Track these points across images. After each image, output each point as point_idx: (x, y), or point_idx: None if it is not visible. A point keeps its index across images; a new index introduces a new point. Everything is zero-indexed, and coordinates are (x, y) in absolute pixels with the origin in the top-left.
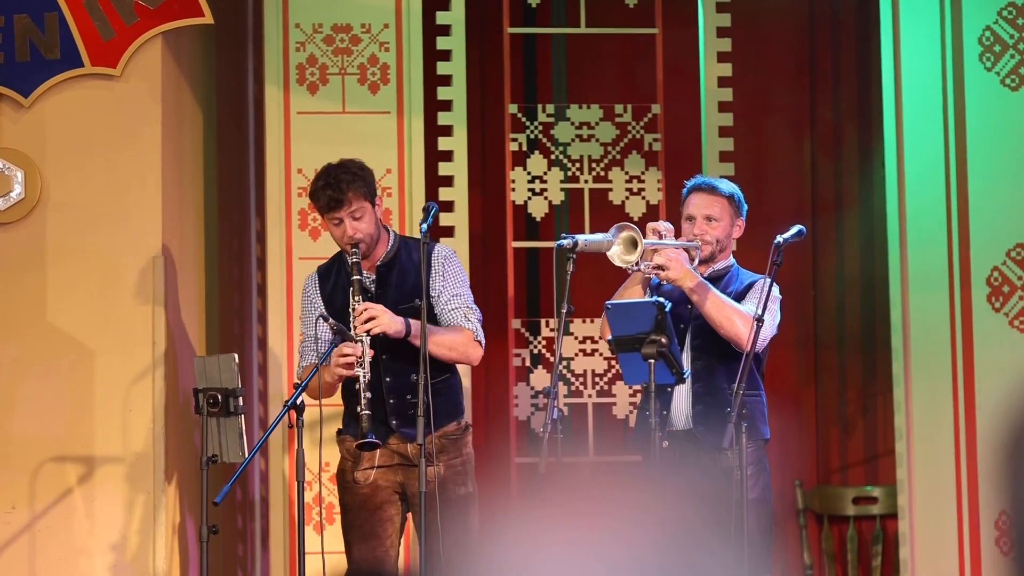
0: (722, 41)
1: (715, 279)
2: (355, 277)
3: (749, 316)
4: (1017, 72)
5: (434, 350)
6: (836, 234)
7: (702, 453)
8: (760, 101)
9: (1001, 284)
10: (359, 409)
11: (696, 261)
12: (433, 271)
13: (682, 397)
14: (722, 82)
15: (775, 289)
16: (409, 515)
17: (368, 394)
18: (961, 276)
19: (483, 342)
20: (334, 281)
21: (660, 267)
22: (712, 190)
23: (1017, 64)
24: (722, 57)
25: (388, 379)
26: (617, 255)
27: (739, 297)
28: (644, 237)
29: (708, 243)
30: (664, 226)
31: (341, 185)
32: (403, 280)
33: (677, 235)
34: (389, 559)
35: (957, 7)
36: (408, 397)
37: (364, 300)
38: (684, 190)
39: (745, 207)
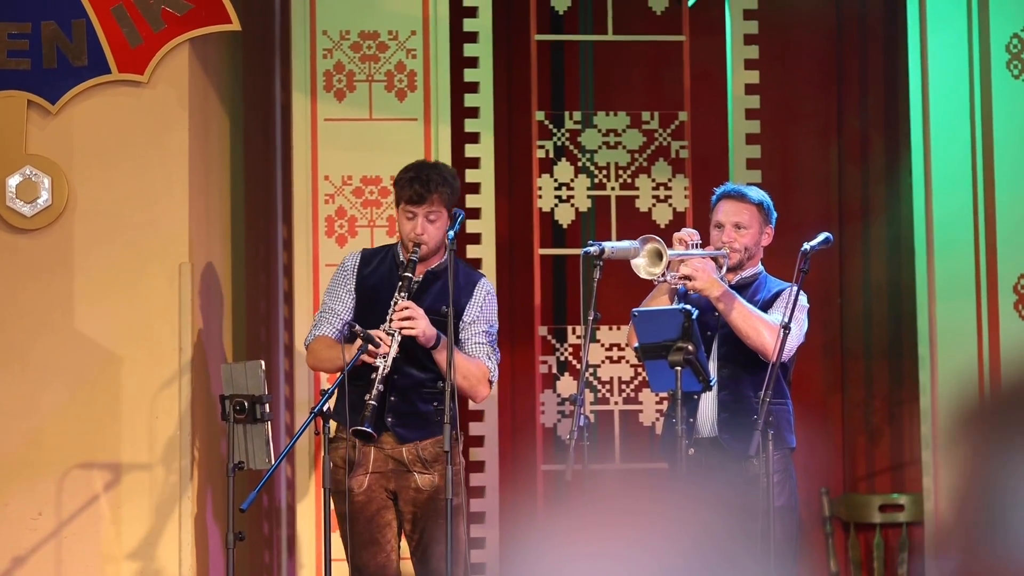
0: (749, 48)
1: (743, 287)
2: (407, 274)
3: (775, 326)
4: None
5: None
6: (863, 242)
7: (728, 461)
8: (787, 108)
9: None
10: (367, 398)
11: (724, 269)
12: (472, 300)
13: (708, 405)
14: (749, 89)
15: (803, 298)
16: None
17: (380, 387)
18: (988, 283)
19: (494, 383)
20: (376, 266)
21: (687, 277)
22: (741, 197)
23: None
24: (749, 64)
25: (396, 376)
26: (643, 267)
27: (767, 306)
28: (670, 247)
29: (736, 251)
30: (690, 234)
31: (430, 184)
32: (442, 294)
33: (704, 242)
34: (391, 564)
35: (984, 15)
36: (411, 399)
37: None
38: (713, 197)
39: (774, 215)
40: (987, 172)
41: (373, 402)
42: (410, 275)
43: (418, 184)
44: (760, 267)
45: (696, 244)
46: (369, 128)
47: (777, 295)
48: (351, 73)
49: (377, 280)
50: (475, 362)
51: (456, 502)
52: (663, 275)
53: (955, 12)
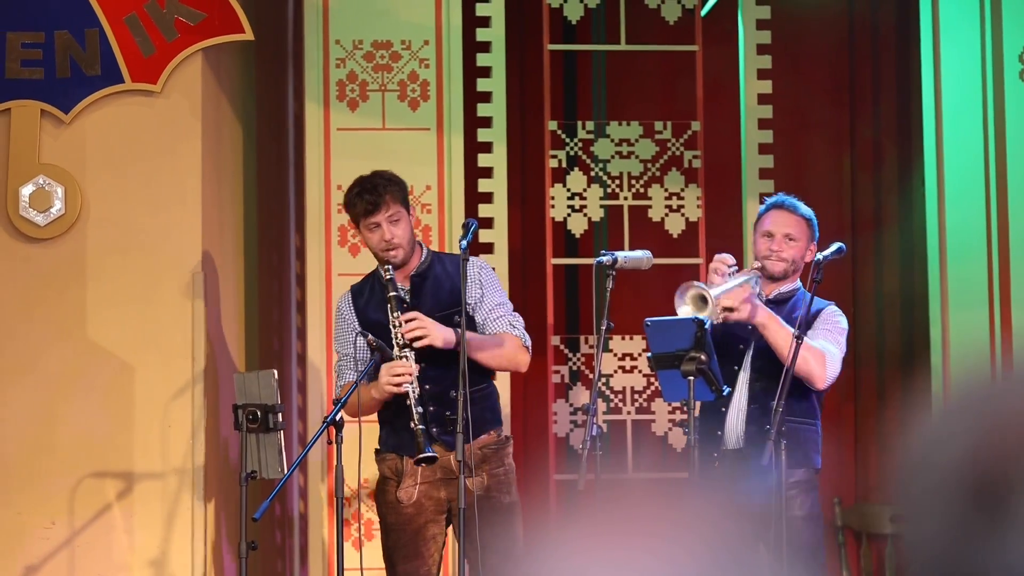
0: (762, 58)
1: (781, 301)
2: (391, 294)
3: (822, 352)
4: None
5: (484, 359)
6: (875, 251)
7: (752, 472)
8: (800, 118)
9: None
10: (413, 424)
11: (758, 287)
12: (470, 280)
13: (736, 416)
14: (762, 99)
15: (843, 320)
16: (450, 528)
17: (420, 409)
18: (1001, 293)
19: (530, 347)
20: (368, 296)
21: (729, 309)
22: (794, 210)
23: None
24: (762, 74)
25: (427, 386)
26: (690, 312)
27: (807, 325)
28: (705, 280)
29: (784, 260)
30: (723, 260)
31: (378, 189)
32: (438, 289)
33: (740, 260)
34: None
35: (997, 24)
36: (448, 403)
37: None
38: (763, 207)
39: (818, 233)
40: (1000, 181)
41: (420, 426)
42: (394, 293)
43: (368, 194)
44: (799, 283)
45: (732, 268)
46: (382, 138)
47: (816, 315)
48: (364, 83)
49: (375, 309)
50: (502, 338)
51: (511, 501)
52: (711, 315)
53: (968, 22)
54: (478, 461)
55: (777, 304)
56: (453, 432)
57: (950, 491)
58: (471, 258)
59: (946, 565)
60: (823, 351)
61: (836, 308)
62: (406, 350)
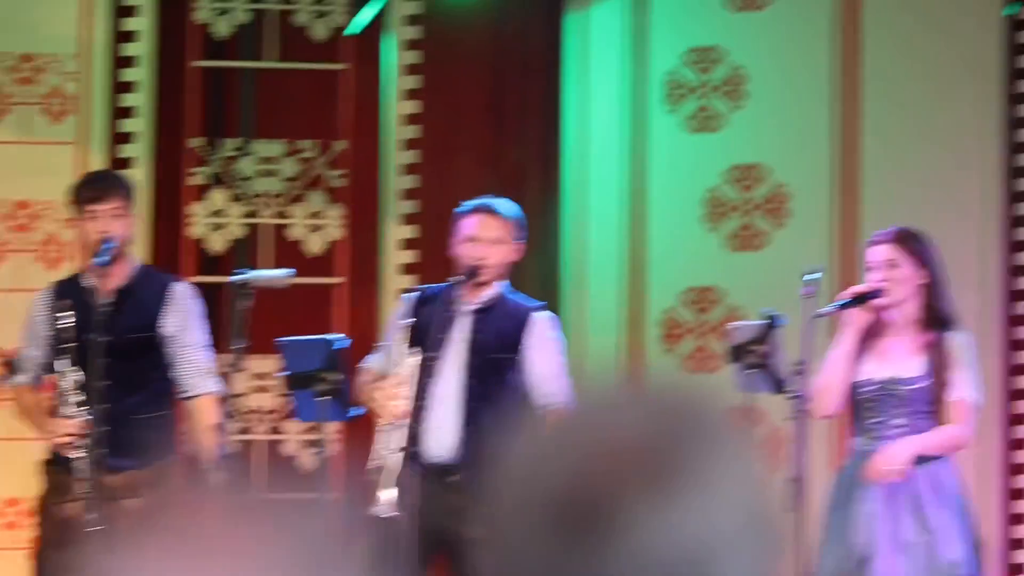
0: (411, 79)
1: (486, 309)
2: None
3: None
4: (699, 115)
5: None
6: (518, 273)
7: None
8: (447, 139)
9: (673, 326)
10: (73, 456)
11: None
12: (171, 309)
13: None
14: (410, 119)
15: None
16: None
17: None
18: (634, 318)
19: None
20: (71, 302)
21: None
22: (495, 212)
23: (699, 108)
24: (410, 95)
25: (107, 405)
26: None
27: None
28: None
29: (486, 264)
30: None
31: (108, 180)
32: (137, 309)
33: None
34: None
35: (642, 51)
36: (123, 427)
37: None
38: (461, 210)
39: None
40: (638, 207)
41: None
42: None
43: (98, 182)
44: (499, 287)
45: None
46: (24, 151)
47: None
48: (7, 95)
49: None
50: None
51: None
52: None
53: (614, 47)
54: (147, 484)
55: (484, 311)
56: (121, 456)
57: (539, 509)
58: (178, 285)
59: None
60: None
61: (551, 315)
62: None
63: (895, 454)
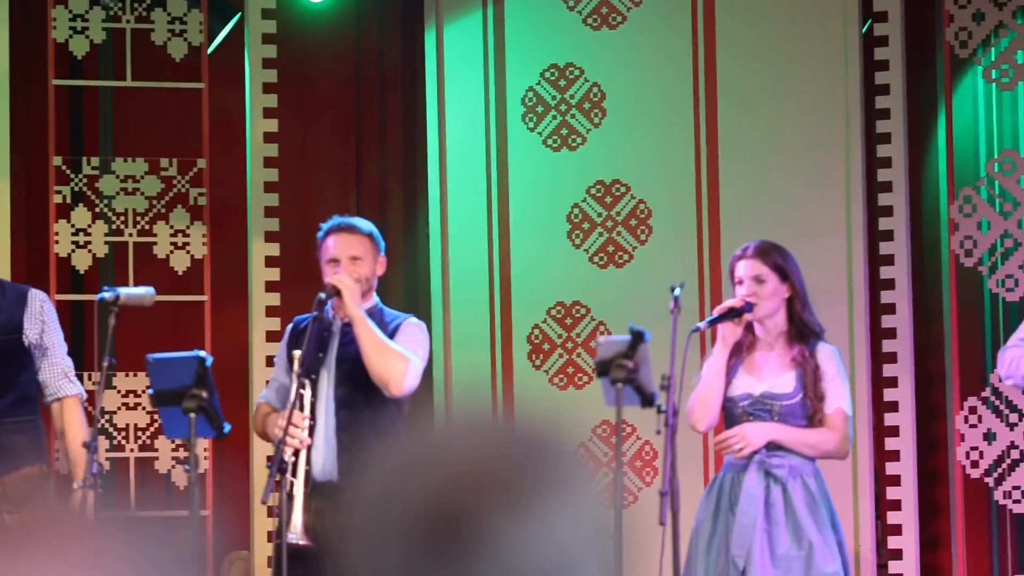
0: (268, 97)
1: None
2: None
3: (405, 357)
4: (559, 132)
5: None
6: (383, 291)
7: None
8: (306, 157)
9: (542, 342)
10: None
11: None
12: (31, 315)
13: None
14: (268, 137)
15: (422, 331)
16: None
17: None
18: (503, 334)
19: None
20: None
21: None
22: (352, 229)
23: (559, 125)
24: (268, 113)
25: None
26: None
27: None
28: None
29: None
30: None
31: None
32: None
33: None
34: None
35: (500, 68)
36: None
37: None
38: (320, 233)
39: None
40: (502, 223)
41: None
42: None
43: None
44: (375, 299)
45: None
46: None
47: (398, 328)
48: None
49: None
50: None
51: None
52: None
53: (472, 64)
54: (21, 498)
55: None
56: None
57: (403, 520)
58: (34, 292)
59: None
60: (407, 357)
61: (416, 320)
62: None
63: (751, 431)
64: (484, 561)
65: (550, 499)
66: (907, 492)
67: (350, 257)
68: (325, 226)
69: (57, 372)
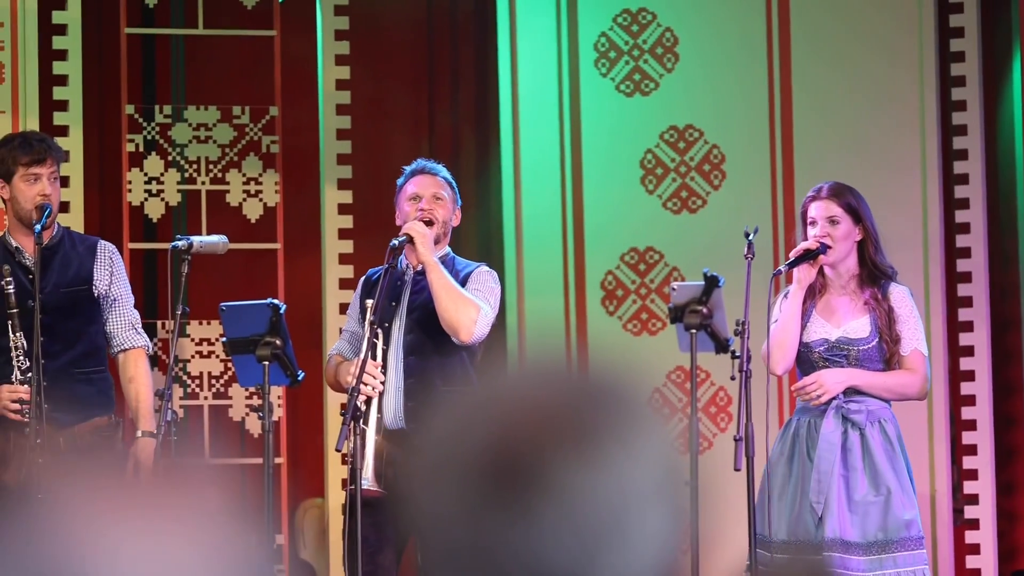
0: (340, 44)
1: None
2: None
3: (476, 305)
4: (631, 78)
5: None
6: (457, 239)
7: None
8: (378, 104)
9: (615, 288)
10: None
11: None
12: (101, 265)
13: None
14: (340, 85)
15: (494, 281)
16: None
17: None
18: (576, 280)
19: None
20: None
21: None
22: (435, 172)
23: (632, 70)
24: (340, 60)
25: (44, 361)
26: None
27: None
28: None
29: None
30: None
31: (47, 143)
32: (66, 265)
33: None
34: None
35: (573, 13)
36: (63, 383)
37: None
38: (404, 175)
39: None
40: (575, 169)
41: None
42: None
43: (39, 144)
44: (447, 248)
45: None
46: None
47: (468, 276)
48: None
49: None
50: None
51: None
52: None
53: (544, 10)
54: (88, 446)
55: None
56: (65, 410)
57: (467, 471)
58: (103, 243)
59: (456, 543)
60: (478, 304)
61: (488, 268)
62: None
63: (829, 378)
64: (550, 507)
65: (621, 446)
66: (983, 437)
67: (433, 195)
68: (408, 168)
69: (125, 323)
